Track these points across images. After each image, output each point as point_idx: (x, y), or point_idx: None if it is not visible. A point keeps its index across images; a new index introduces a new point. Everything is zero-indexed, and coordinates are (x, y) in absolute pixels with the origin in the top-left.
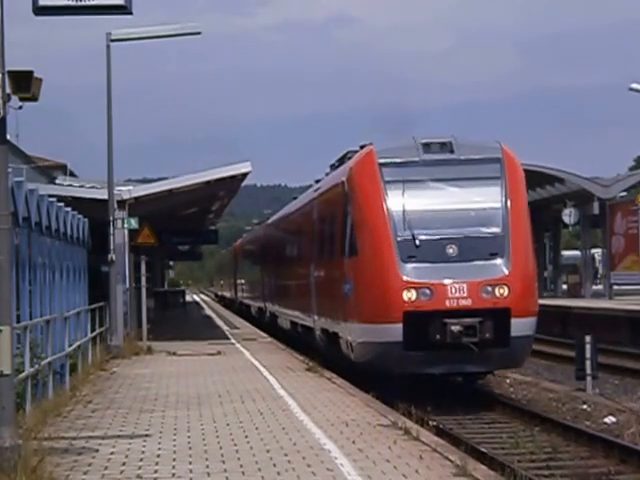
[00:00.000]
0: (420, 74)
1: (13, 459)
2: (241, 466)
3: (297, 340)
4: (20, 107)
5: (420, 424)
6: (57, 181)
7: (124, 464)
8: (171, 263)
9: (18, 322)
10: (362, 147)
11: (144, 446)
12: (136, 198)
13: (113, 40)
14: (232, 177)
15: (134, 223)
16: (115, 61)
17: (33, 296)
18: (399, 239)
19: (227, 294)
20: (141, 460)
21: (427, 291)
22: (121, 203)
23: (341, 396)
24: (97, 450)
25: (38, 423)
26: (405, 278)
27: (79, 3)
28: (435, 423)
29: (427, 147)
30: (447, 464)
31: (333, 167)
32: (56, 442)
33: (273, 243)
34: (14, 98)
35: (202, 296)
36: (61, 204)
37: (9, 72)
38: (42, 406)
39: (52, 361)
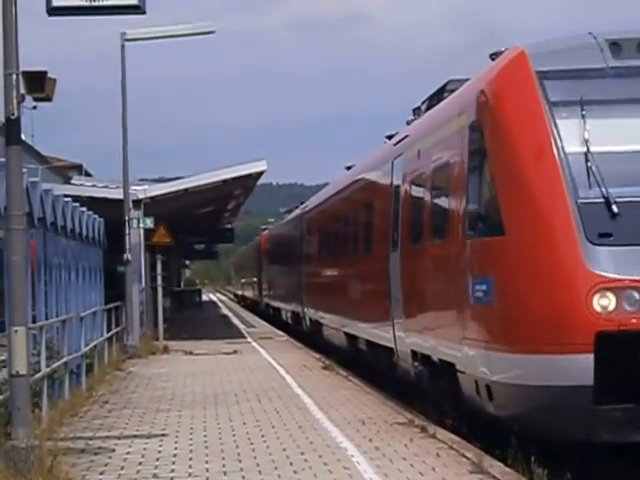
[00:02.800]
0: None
1: (29, 459)
2: (257, 465)
3: (358, 361)
4: (34, 107)
5: (437, 422)
6: (72, 181)
7: (140, 464)
8: (187, 262)
9: (34, 322)
10: (493, 57)
11: (161, 446)
12: (152, 197)
13: (128, 40)
14: (248, 176)
15: (149, 223)
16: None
17: (49, 296)
18: (582, 202)
19: (249, 294)
20: (157, 460)
21: (637, 295)
22: (137, 203)
23: (357, 394)
24: (113, 450)
25: (54, 423)
26: (596, 272)
27: (93, 3)
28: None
29: (617, 48)
30: (463, 461)
31: (417, 111)
32: (72, 442)
33: (319, 230)
34: (28, 98)
35: (219, 295)
36: (76, 204)
37: (23, 73)
38: (58, 406)
39: (68, 361)
